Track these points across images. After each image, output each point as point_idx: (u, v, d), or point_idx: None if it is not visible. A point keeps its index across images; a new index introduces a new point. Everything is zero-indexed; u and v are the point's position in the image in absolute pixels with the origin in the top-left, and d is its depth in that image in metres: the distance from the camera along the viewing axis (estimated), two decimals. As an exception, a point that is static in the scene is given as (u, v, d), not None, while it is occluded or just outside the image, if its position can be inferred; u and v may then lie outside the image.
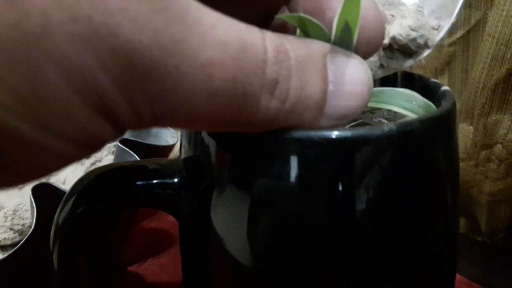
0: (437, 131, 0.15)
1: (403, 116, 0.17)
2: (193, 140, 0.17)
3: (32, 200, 0.23)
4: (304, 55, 0.12)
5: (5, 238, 0.27)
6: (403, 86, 0.18)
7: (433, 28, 0.17)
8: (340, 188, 0.13)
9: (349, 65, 0.13)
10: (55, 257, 0.17)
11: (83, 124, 0.10)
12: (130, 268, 0.32)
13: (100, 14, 0.09)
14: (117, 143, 0.28)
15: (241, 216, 0.14)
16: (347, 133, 0.13)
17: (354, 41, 0.13)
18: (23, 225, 0.28)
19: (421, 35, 0.16)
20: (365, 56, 0.14)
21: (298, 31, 0.14)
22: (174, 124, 0.12)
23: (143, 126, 0.11)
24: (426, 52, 0.18)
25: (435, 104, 0.16)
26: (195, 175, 0.16)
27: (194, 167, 0.16)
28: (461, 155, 0.33)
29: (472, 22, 0.31)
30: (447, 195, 0.15)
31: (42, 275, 0.23)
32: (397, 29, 0.17)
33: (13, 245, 0.27)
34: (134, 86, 0.10)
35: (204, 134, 0.15)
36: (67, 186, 0.26)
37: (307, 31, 0.13)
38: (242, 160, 0.15)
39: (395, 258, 0.14)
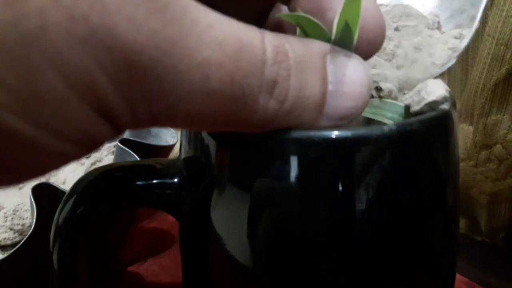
0: (437, 131, 0.15)
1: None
2: (193, 140, 0.17)
3: (32, 200, 0.23)
4: (303, 55, 0.12)
5: (5, 238, 0.27)
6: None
7: (455, 37, 0.17)
8: (340, 188, 0.13)
9: (348, 65, 0.13)
10: (55, 257, 0.17)
11: (81, 123, 0.10)
12: (130, 268, 0.32)
13: (98, 14, 0.09)
14: (117, 143, 0.28)
15: (241, 216, 0.14)
16: (347, 133, 0.13)
17: (354, 41, 0.13)
18: (23, 225, 0.28)
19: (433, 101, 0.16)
20: (365, 57, 0.14)
21: (298, 30, 0.14)
22: (172, 124, 0.12)
23: (141, 126, 0.11)
24: (447, 66, 0.17)
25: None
26: (195, 175, 0.16)
27: (194, 167, 0.16)
28: (461, 155, 0.33)
29: (472, 22, 0.31)
30: (447, 195, 0.15)
31: (42, 275, 0.23)
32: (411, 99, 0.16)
33: (13, 245, 0.27)
34: (132, 86, 0.10)
35: (204, 134, 0.15)
36: (67, 186, 0.26)
37: (307, 30, 0.13)
38: (242, 160, 0.15)
39: (395, 258, 0.14)
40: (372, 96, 0.16)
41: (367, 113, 0.15)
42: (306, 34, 0.13)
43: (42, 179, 0.32)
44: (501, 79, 0.28)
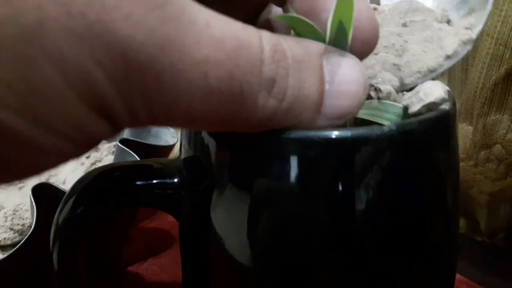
0: (437, 131, 0.15)
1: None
2: (193, 140, 0.17)
3: (32, 200, 0.23)
4: (301, 55, 0.12)
5: (5, 238, 0.27)
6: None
7: (466, 28, 0.17)
8: (340, 188, 0.13)
9: (344, 64, 0.13)
10: (55, 257, 0.17)
11: (79, 121, 0.10)
12: (130, 268, 0.32)
13: (95, 10, 0.09)
14: (117, 143, 0.28)
15: (241, 216, 0.14)
16: (347, 133, 0.13)
17: (349, 41, 0.13)
18: (23, 225, 0.28)
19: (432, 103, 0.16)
20: (360, 57, 0.14)
21: (292, 31, 0.14)
22: (171, 123, 0.12)
23: (140, 124, 0.11)
24: (461, 56, 0.17)
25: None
26: (195, 175, 0.16)
27: (194, 167, 0.16)
28: (461, 155, 0.33)
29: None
30: (447, 195, 0.15)
31: (42, 275, 0.23)
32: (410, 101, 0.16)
33: (13, 245, 0.27)
34: (130, 84, 0.10)
35: (204, 134, 0.15)
36: (67, 186, 0.26)
37: (300, 31, 0.13)
38: (242, 160, 0.15)
39: (395, 258, 0.14)
40: (371, 98, 0.16)
41: (365, 114, 0.15)
42: (299, 35, 0.13)
43: (42, 179, 0.32)
44: (500, 79, 0.28)
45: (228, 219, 0.15)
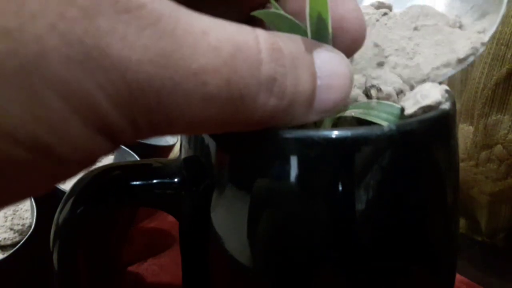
0: (437, 131, 0.14)
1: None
2: (193, 140, 0.17)
3: (32, 200, 0.23)
4: (295, 51, 0.12)
5: (5, 238, 0.27)
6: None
7: (478, 32, 0.17)
8: (340, 188, 0.13)
9: (332, 60, 0.13)
10: (55, 257, 0.17)
11: (82, 143, 0.10)
12: (130, 268, 0.32)
13: (92, 36, 0.09)
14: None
15: (241, 216, 0.14)
16: (347, 133, 0.13)
17: (330, 32, 0.13)
18: (23, 225, 0.28)
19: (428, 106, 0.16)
20: (348, 54, 0.14)
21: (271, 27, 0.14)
22: (173, 132, 0.12)
23: (142, 137, 0.11)
24: (472, 59, 0.17)
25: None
26: (195, 175, 0.16)
27: (194, 167, 0.16)
28: (461, 155, 0.33)
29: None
30: (447, 195, 0.15)
31: (42, 275, 0.23)
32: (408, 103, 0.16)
33: (13, 245, 0.27)
34: (131, 102, 0.10)
35: (204, 134, 0.15)
36: (67, 186, 0.26)
37: (280, 27, 0.14)
38: (242, 160, 0.14)
39: (395, 258, 0.14)
40: (371, 97, 0.16)
41: (362, 114, 0.15)
42: (279, 30, 0.14)
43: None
44: (501, 79, 0.28)
45: (228, 219, 0.15)
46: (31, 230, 0.22)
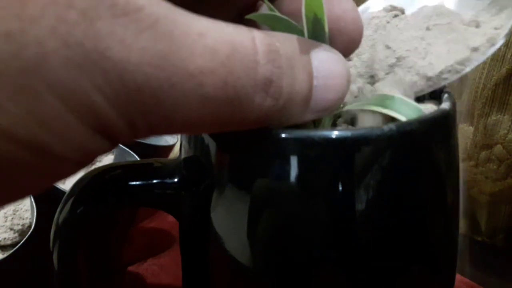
0: (437, 131, 0.14)
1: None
2: (193, 140, 0.17)
3: (32, 200, 0.23)
4: (292, 52, 0.12)
5: (5, 238, 0.27)
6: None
7: (495, 28, 0.17)
8: (340, 188, 0.13)
9: (329, 59, 0.13)
10: (55, 257, 0.17)
11: (80, 143, 0.10)
12: (130, 268, 0.32)
13: (91, 39, 0.09)
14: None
15: (241, 216, 0.14)
16: (347, 133, 0.13)
17: (327, 31, 0.13)
18: (23, 225, 0.28)
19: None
20: (345, 54, 0.14)
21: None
22: (171, 132, 0.12)
23: (139, 137, 0.12)
24: (491, 51, 0.16)
25: (436, 104, 0.16)
26: (195, 175, 0.16)
27: (194, 167, 0.16)
28: (461, 155, 0.32)
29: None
30: (447, 195, 0.15)
31: (42, 275, 0.23)
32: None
33: (13, 245, 0.27)
34: (129, 102, 0.10)
35: (204, 134, 0.15)
36: (67, 186, 0.26)
37: (276, 29, 0.14)
38: (242, 160, 0.14)
39: (395, 258, 0.14)
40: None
41: (373, 105, 0.15)
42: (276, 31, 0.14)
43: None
44: (501, 79, 0.28)
45: (228, 219, 0.15)
46: (31, 230, 0.22)
